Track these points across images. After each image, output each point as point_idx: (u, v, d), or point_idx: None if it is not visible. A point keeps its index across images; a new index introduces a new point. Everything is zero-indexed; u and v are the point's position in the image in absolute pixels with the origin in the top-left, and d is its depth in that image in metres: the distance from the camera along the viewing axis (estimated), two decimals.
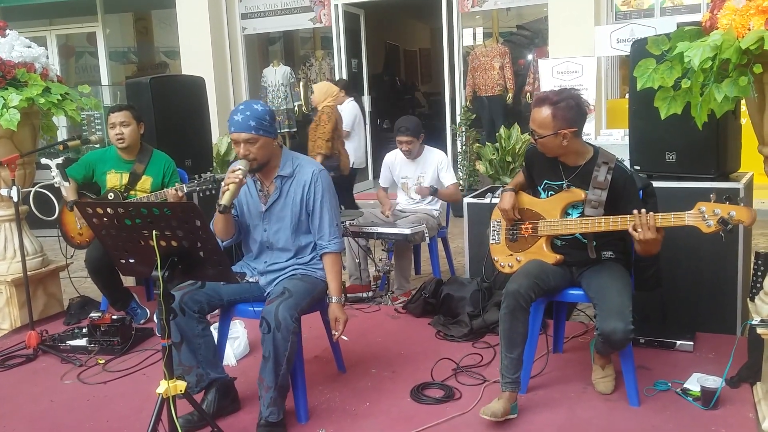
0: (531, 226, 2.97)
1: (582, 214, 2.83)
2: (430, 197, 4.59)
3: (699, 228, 2.49)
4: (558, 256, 2.89)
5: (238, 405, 2.96)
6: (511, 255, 3.03)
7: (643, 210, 2.60)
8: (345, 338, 2.91)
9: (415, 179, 4.63)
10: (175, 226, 2.20)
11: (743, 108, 3.91)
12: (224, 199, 2.70)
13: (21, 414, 3.04)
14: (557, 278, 2.89)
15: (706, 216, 2.47)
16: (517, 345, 2.77)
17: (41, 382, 3.37)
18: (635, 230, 2.59)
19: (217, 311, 3.11)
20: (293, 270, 2.92)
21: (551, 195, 2.95)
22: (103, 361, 3.55)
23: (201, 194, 3.42)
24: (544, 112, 2.75)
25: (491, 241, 3.15)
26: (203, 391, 2.85)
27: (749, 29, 2.33)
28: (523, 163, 3.15)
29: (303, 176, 2.93)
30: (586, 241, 2.89)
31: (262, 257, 3.00)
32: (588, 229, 2.78)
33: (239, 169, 2.74)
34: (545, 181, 2.98)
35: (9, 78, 3.75)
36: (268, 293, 2.86)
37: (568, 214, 2.91)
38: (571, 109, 2.75)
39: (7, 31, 3.93)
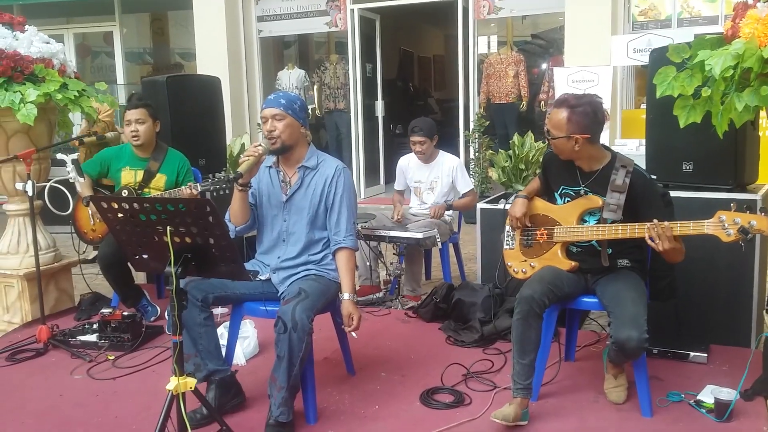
0: (546, 232, 2.95)
1: (599, 221, 2.81)
2: (430, 215, 4.56)
3: (718, 237, 2.47)
4: (573, 263, 2.87)
5: (242, 398, 2.96)
6: (525, 261, 3.01)
7: (655, 220, 2.57)
8: (354, 335, 2.90)
9: (429, 184, 4.61)
10: (190, 222, 2.20)
11: (762, 121, 3.90)
12: (241, 168, 2.73)
13: (30, 408, 3.04)
14: (571, 285, 2.87)
15: (726, 225, 2.44)
16: (529, 351, 2.75)
17: (51, 377, 3.38)
18: (652, 240, 2.57)
19: (227, 310, 3.11)
20: (306, 270, 2.92)
21: (568, 201, 2.94)
22: (112, 357, 3.55)
23: (215, 193, 3.43)
24: (561, 114, 2.77)
25: (505, 247, 3.13)
26: (205, 384, 2.84)
27: None
28: (540, 168, 3.13)
29: (326, 170, 2.96)
30: (600, 248, 2.86)
31: (275, 252, 2.99)
32: (605, 235, 2.75)
33: (261, 144, 2.80)
34: (562, 186, 2.96)
35: (27, 73, 3.78)
36: (282, 293, 2.85)
37: (585, 221, 2.88)
38: (587, 115, 2.75)
39: (26, 27, 3.96)
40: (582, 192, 2.89)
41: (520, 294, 2.76)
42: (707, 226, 2.49)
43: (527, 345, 2.74)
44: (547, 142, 2.88)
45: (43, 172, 4.19)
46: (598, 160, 2.87)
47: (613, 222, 2.74)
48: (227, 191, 3.37)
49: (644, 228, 2.61)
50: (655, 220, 2.58)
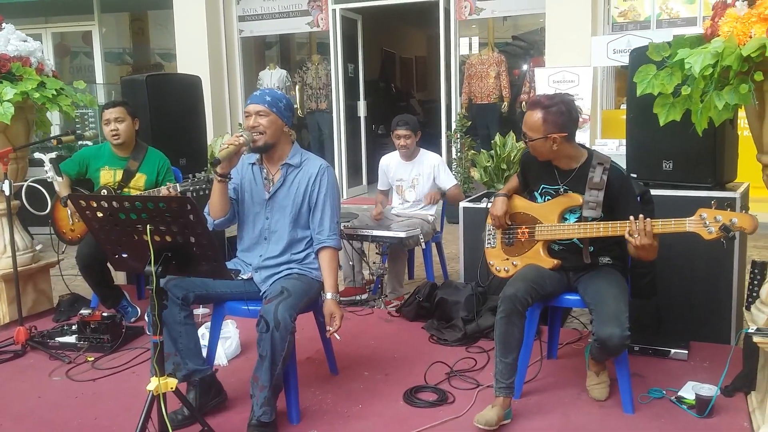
0: (528, 230, 2.95)
1: (580, 218, 2.82)
2: (424, 204, 4.56)
3: (700, 235, 2.48)
4: (555, 261, 2.88)
5: (223, 397, 2.93)
6: (507, 259, 3.01)
7: (641, 216, 2.58)
8: (338, 337, 2.89)
9: (410, 181, 4.61)
10: (170, 220, 2.18)
11: (740, 122, 3.94)
12: (220, 154, 2.71)
13: (8, 410, 2.99)
14: (554, 283, 2.88)
15: (708, 222, 2.45)
16: (512, 349, 2.75)
17: (29, 379, 3.33)
18: (631, 235, 2.58)
19: (209, 310, 3.09)
20: (289, 269, 2.90)
21: (548, 200, 2.95)
22: (92, 359, 3.50)
23: (194, 194, 3.39)
24: (536, 116, 2.76)
25: (486, 245, 3.13)
26: (185, 385, 2.82)
27: (750, 37, 2.34)
28: (519, 168, 3.14)
29: (310, 168, 2.94)
30: (582, 246, 2.88)
31: (256, 250, 2.97)
32: (586, 234, 2.76)
33: (242, 135, 2.78)
34: (542, 185, 2.97)
35: (4, 71, 3.73)
36: (264, 293, 2.83)
37: (566, 219, 2.89)
38: (562, 114, 2.75)
39: (3, 25, 3.90)
40: (562, 190, 2.89)
41: (504, 293, 2.76)
42: (689, 224, 2.50)
43: (510, 343, 2.74)
44: (525, 144, 2.88)
45: (21, 172, 4.13)
46: (575, 158, 2.87)
47: (593, 219, 2.76)
48: (207, 191, 3.34)
49: (626, 225, 2.63)
50: (634, 217, 2.58)
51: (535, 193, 3.01)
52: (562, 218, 2.89)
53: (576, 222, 2.84)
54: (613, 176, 2.79)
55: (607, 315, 2.62)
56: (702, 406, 2.74)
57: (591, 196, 2.77)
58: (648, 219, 2.57)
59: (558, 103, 2.76)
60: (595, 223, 2.74)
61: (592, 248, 2.86)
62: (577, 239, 2.87)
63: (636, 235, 2.56)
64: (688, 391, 2.87)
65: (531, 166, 3.02)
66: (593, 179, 2.78)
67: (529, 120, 2.79)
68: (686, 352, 3.33)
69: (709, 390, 2.76)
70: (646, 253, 2.61)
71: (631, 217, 2.59)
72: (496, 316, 2.77)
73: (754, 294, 2.81)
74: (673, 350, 3.34)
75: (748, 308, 2.78)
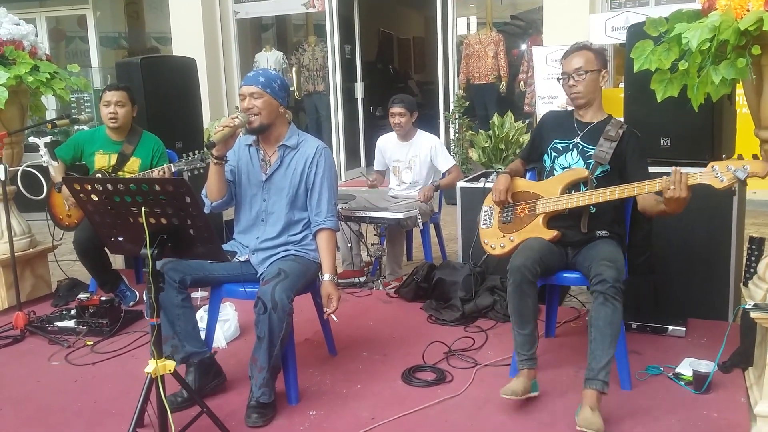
0: (528, 206, 2.95)
1: (589, 167, 2.89)
2: (422, 184, 4.55)
3: (712, 185, 2.49)
4: (555, 233, 2.86)
5: (222, 379, 2.94)
6: (504, 236, 2.99)
7: (675, 168, 2.55)
8: (335, 319, 2.88)
9: (407, 162, 4.59)
10: (165, 202, 2.16)
11: (738, 98, 3.92)
12: (215, 137, 2.69)
13: (7, 395, 3.00)
14: (554, 257, 2.86)
15: (719, 173, 2.46)
16: (528, 320, 2.73)
17: (28, 364, 3.33)
18: (667, 189, 2.53)
19: (206, 294, 3.08)
20: (286, 250, 2.89)
21: (555, 157, 3.00)
22: (91, 343, 3.51)
23: (190, 173, 3.38)
24: (588, 54, 2.93)
25: (482, 226, 3.12)
26: (184, 367, 2.82)
27: (748, 10, 2.31)
28: (534, 128, 3.24)
29: (307, 150, 2.93)
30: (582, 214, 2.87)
31: (253, 232, 2.96)
32: (588, 200, 2.77)
33: (238, 117, 2.77)
34: (554, 140, 3.03)
35: None
36: (262, 274, 2.83)
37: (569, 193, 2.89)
38: (602, 55, 2.97)
39: None
40: (571, 146, 2.95)
41: (511, 264, 2.73)
42: (700, 176, 2.50)
43: (526, 314, 2.73)
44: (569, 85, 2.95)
45: (16, 157, 4.11)
46: (599, 111, 3.01)
47: (599, 171, 2.85)
48: (203, 171, 3.33)
49: (624, 190, 2.66)
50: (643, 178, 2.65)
51: (544, 155, 3.05)
52: (566, 192, 2.89)
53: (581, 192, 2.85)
54: (628, 132, 2.91)
55: (603, 259, 2.64)
56: (699, 382, 2.75)
57: (603, 147, 2.89)
58: (683, 171, 2.54)
59: (592, 45, 2.99)
60: (596, 190, 2.75)
61: (592, 210, 2.88)
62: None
63: (672, 187, 2.52)
64: (686, 368, 2.88)
65: (550, 122, 3.14)
66: (609, 132, 2.90)
67: (583, 56, 2.92)
68: (684, 328, 3.33)
69: (706, 366, 2.77)
70: (677, 205, 2.57)
71: (671, 170, 2.55)
72: (508, 289, 2.75)
73: (752, 270, 2.81)
74: (670, 327, 3.34)
75: (745, 284, 2.78)
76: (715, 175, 2.48)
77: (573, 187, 2.90)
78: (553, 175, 2.99)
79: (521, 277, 2.69)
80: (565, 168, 2.97)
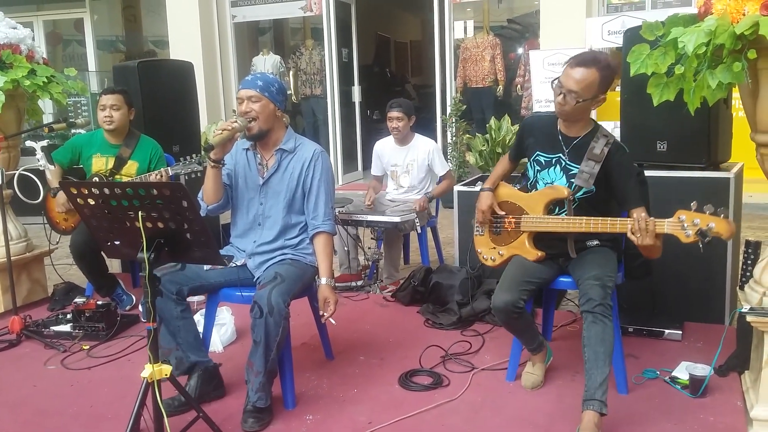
0: (514, 220, 2.92)
1: (570, 185, 2.78)
2: (420, 188, 4.55)
3: (678, 237, 2.45)
4: (539, 253, 2.82)
5: (221, 392, 2.92)
6: (494, 248, 2.97)
7: (643, 215, 2.51)
8: (333, 322, 2.88)
9: (405, 167, 4.60)
10: (162, 207, 2.16)
11: (734, 102, 3.93)
12: (213, 140, 2.69)
13: (3, 399, 2.99)
14: (544, 271, 2.83)
15: (686, 225, 2.42)
16: (527, 332, 2.87)
17: (24, 368, 3.32)
18: (633, 234, 2.51)
19: (203, 298, 3.08)
20: (283, 254, 2.89)
21: (537, 171, 2.89)
22: (87, 347, 3.50)
23: (187, 177, 3.38)
24: (593, 75, 2.62)
25: (475, 233, 3.10)
26: (187, 376, 2.82)
27: (744, 14, 2.31)
28: (518, 133, 3.06)
29: (304, 153, 2.93)
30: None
31: (250, 236, 2.96)
32: (570, 228, 2.72)
33: (236, 120, 2.77)
34: (537, 152, 2.89)
35: None
36: (258, 278, 2.82)
37: (552, 211, 2.85)
38: (611, 77, 2.67)
39: None
40: (554, 161, 2.83)
41: (495, 304, 2.72)
42: (667, 225, 2.47)
43: (524, 332, 2.87)
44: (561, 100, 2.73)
45: (13, 161, 4.11)
46: (585, 126, 2.81)
47: (583, 192, 2.74)
48: (200, 174, 3.33)
49: (607, 223, 2.61)
50: (638, 213, 2.53)
51: (528, 166, 2.96)
52: (548, 210, 2.83)
53: (563, 216, 2.79)
54: (614, 149, 2.74)
55: (589, 278, 2.61)
56: (696, 386, 2.75)
57: (587, 167, 2.72)
58: (651, 218, 2.50)
59: (607, 62, 2.66)
60: (578, 218, 2.70)
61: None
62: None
63: (638, 235, 2.50)
64: (682, 372, 2.88)
65: (533, 130, 2.94)
66: (594, 149, 2.73)
67: (585, 78, 2.62)
68: (680, 332, 3.34)
69: (702, 370, 2.77)
70: (648, 252, 2.56)
71: (634, 214, 2.54)
72: (499, 322, 2.85)
73: (748, 273, 2.81)
74: (667, 331, 3.35)
75: (741, 288, 2.78)
76: (681, 227, 2.43)
77: (557, 203, 2.83)
78: (536, 188, 2.91)
79: (507, 317, 2.72)
80: (548, 183, 2.86)
